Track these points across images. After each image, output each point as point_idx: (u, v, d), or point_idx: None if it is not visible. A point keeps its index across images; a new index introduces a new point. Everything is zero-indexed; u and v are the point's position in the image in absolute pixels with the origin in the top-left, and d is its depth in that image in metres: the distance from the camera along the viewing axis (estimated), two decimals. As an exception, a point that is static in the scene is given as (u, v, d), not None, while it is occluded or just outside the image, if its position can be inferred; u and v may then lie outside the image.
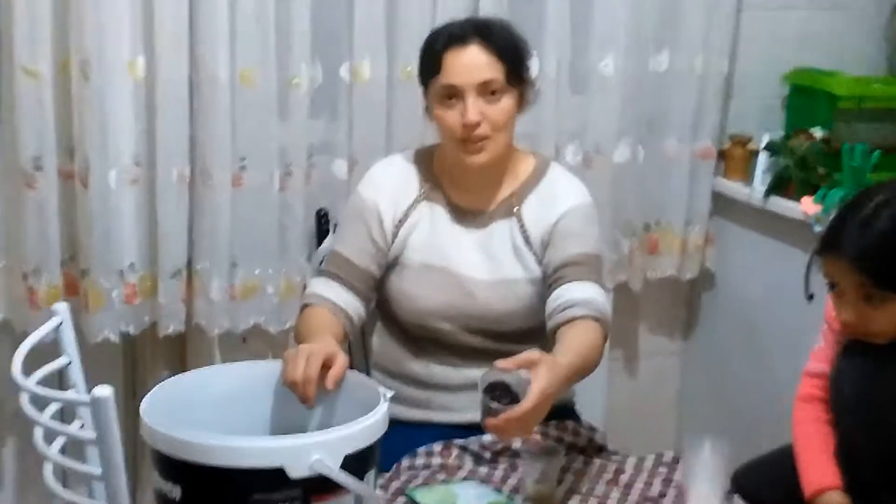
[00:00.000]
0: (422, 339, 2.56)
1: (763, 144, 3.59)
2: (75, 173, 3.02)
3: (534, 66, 2.76)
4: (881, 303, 2.14)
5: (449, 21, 2.51)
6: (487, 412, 2.01)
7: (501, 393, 2.02)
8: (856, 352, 2.32)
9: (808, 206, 3.34)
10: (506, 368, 2.01)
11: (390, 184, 2.54)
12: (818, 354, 2.47)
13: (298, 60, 3.15)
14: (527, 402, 1.97)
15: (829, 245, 2.19)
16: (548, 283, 2.42)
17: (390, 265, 2.52)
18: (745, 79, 3.75)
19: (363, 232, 2.49)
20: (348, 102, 3.24)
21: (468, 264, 2.50)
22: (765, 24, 3.73)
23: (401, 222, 2.51)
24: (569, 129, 3.52)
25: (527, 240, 2.51)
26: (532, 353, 2.03)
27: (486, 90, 2.38)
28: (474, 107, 2.36)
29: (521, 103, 2.48)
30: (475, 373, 2.23)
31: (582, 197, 2.52)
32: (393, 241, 2.51)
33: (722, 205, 3.79)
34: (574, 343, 2.21)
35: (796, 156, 3.44)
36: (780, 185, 3.51)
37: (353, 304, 2.47)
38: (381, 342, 2.65)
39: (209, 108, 3.06)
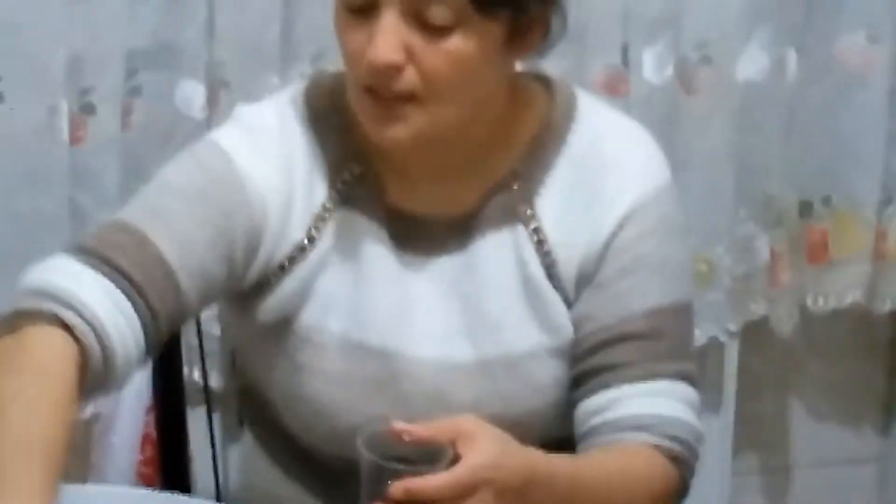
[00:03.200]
0: (348, 479, 1.80)
1: None
2: None
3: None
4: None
5: None
6: (376, 479, 1.57)
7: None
8: None
9: None
10: (411, 434, 1.58)
11: (275, 165, 1.82)
12: None
13: None
14: (450, 474, 1.52)
15: None
16: (583, 368, 1.83)
17: (267, 331, 1.84)
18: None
19: (209, 213, 1.74)
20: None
21: (431, 336, 1.89)
22: None
23: (300, 251, 1.83)
24: (650, 13, 2.64)
25: (550, 269, 1.87)
26: (464, 421, 1.59)
27: (420, 14, 1.71)
28: (391, 35, 1.74)
29: (515, 43, 1.77)
30: None
31: (656, 176, 1.88)
32: (272, 281, 1.81)
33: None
34: (604, 463, 1.72)
35: None
36: None
37: (128, 335, 1.62)
38: (251, 476, 2.04)
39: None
